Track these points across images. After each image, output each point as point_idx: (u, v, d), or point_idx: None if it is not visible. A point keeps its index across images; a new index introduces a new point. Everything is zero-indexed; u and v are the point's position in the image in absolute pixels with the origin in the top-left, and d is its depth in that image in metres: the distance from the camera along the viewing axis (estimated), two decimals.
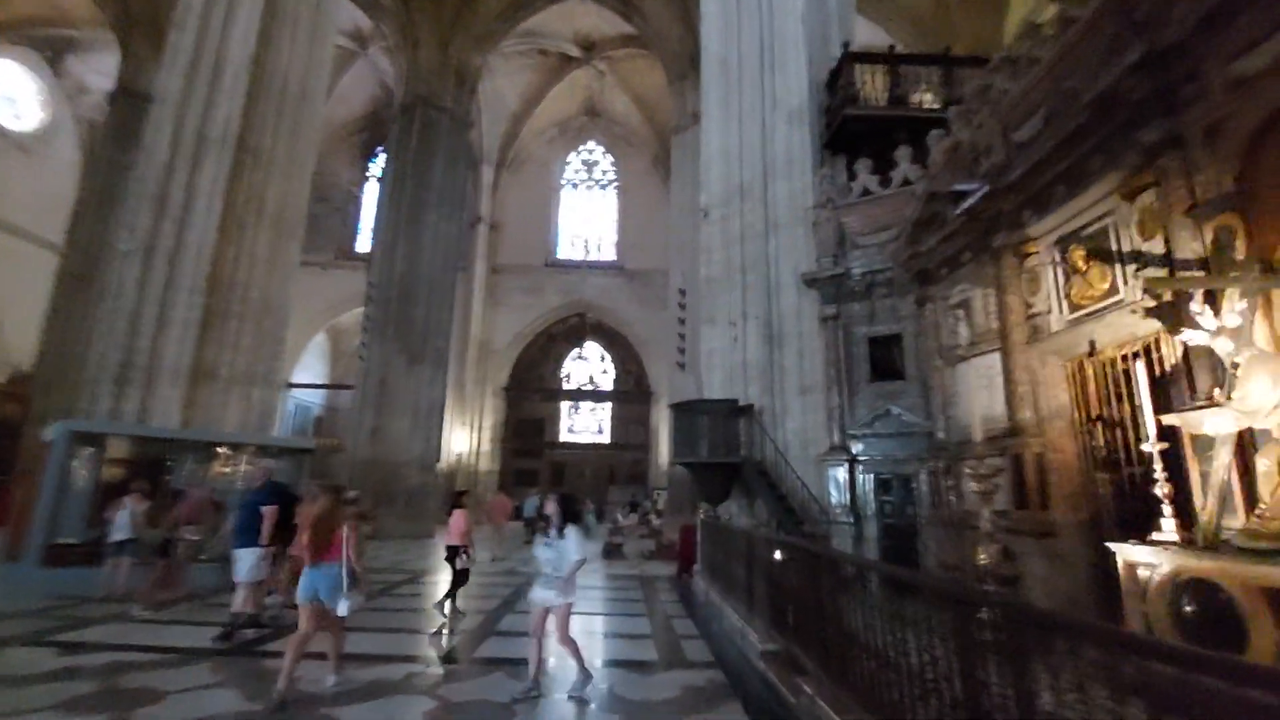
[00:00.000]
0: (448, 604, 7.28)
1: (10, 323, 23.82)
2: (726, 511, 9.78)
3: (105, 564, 7.52)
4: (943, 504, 7.83)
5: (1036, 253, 6.68)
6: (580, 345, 33.68)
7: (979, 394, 7.29)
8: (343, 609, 4.44)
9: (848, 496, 8.75)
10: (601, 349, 33.75)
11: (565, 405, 33.80)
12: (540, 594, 4.54)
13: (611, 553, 13.98)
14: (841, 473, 8.89)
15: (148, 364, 9.51)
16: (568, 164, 33.82)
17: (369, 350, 20.36)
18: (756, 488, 9.10)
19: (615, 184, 33.68)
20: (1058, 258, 6.35)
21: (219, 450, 9.66)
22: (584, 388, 33.57)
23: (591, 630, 7.07)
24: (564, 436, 33.42)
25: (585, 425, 33.92)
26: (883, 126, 10.44)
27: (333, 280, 30.16)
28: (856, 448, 8.92)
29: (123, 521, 7.47)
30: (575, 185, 33.81)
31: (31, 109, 26.11)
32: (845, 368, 9.24)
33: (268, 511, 6.02)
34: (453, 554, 7.70)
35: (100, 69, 25.66)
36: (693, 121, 21.81)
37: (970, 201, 7.34)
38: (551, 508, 4.68)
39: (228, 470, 9.88)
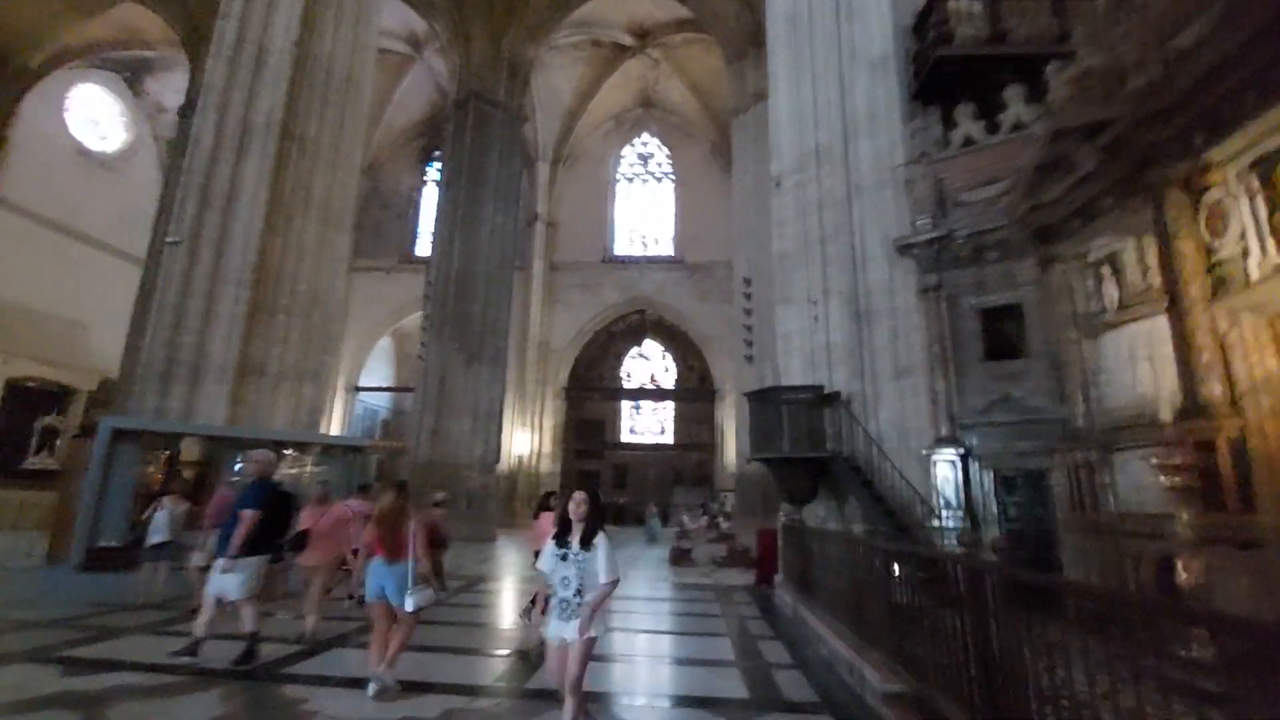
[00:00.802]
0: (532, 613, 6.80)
1: (99, 333, 24.93)
2: (813, 514, 8.59)
3: (141, 569, 7.06)
4: (1088, 506, 6.42)
5: (1220, 183, 5.25)
6: (640, 343, 32.83)
7: (1137, 368, 5.88)
8: (409, 604, 4.34)
9: (961, 497, 7.40)
10: (662, 346, 32.80)
11: (627, 405, 33.02)
12: (559, 628, 3.28)
13: (680, 559, 12.94)
14: (952, 469, 7.55)
15: (194, 360, 9.17)
16: (623, 158, 33.06)
17: (427, 350, 20.10)
18: (849, 486, 7.87)
19: (672, 176, 32.67)
20: (1255, 185, 4.91)
21: (285, 450, 9.26)
22: (645, 387, 32.68)
23: (660, 654, 6.06)
24: (626, 437, 32.63)
25: (647, 425, 33.03)
26: (982, 69, 9.03)
27: (396, 284, 30.46)
28: (970, 439, 7.57)
29: (160, 523, 7.00)
30: (631, 179, 32.99)
31: (114, 129, 27.39)
32: (951, 346, 7.90)
33: (245, 517, 5.00)
34: None
35: (176, 88, 26.59)
36: (754, 101, 20.70)
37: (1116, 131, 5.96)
38: (580, 508, 3.41)
39: (294, 471, 9.47)
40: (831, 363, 8.98)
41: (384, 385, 33.07)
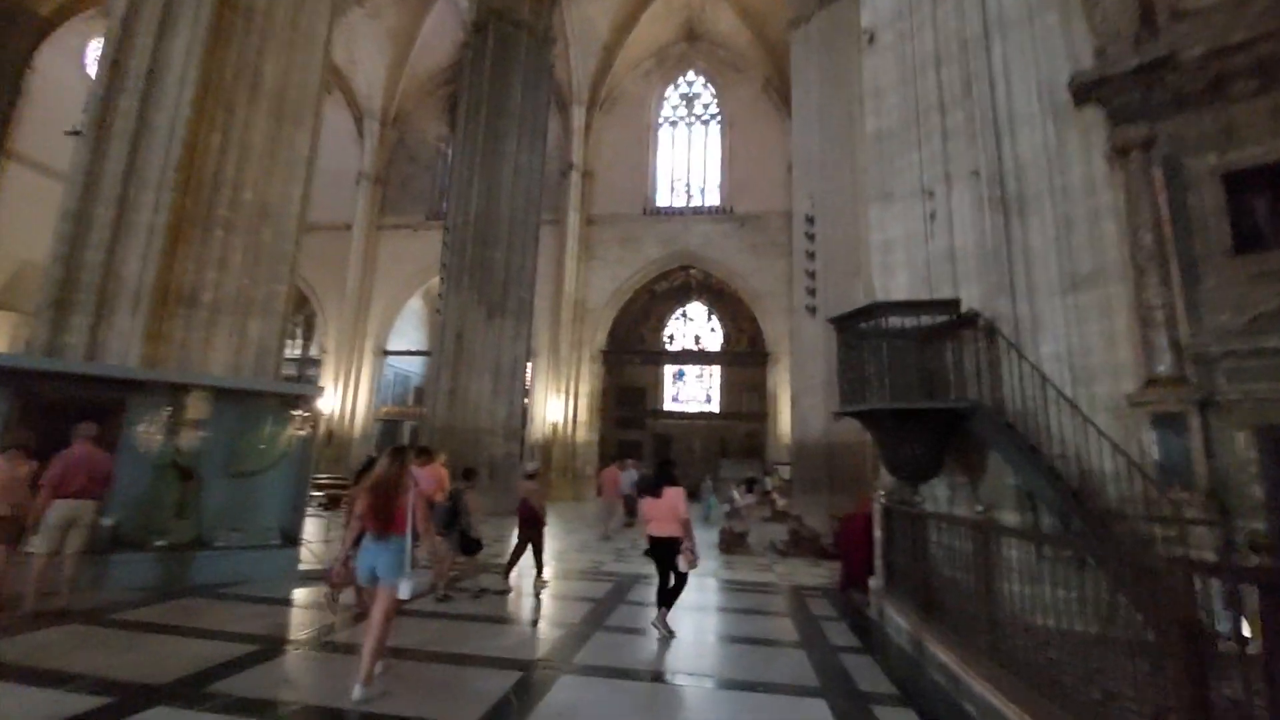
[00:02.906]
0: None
1: None
2: (930, 494, 5.91)
3: None
4: None
5: None
6: (685, 303, 30.13)
7: None
8: (404, 590, 3.68)
9: (1200, 470, 4.60)
10: (707, 307, 30.03)
11: (670, 370, 30.51)
12: None
13: (733, 545, 10.42)
14: (1178, 427, 4.74)
15: (100, 283, 7.04)
16: (665, 99, 29.96)
17: (445, 302, 17.95)
18: (1008, 455, 5.11)
19: (719, 118, 29.44)
20: None
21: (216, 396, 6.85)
22: (690, 350, 30.05)
23: None
24: (669, 405, 30.19)
25: (692, 393, 30.51)
26: None
27: (424, 242, 28.46)
28: (1215, 378, 4.72)
29: None
30: (675, 123, 29.92)
31: None
32: (1174, 234, 5.02)
33: None
34: (666, 552, 5.12)
35: None
36: (818, 6, 17.58)
37: None
38: None
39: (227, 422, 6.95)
40: (958, 276, 6.18)
41: (415, 349, 31.45)
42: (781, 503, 18.05)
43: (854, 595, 6.87)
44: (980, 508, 4.75)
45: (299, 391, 7.45)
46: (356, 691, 3.52)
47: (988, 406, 5.33)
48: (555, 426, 25.49)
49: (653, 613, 5.33)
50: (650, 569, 8.28)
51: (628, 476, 15.99)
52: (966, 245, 6.18)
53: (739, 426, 28.47)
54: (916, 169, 6.69)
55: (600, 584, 7.31)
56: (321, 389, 8.39)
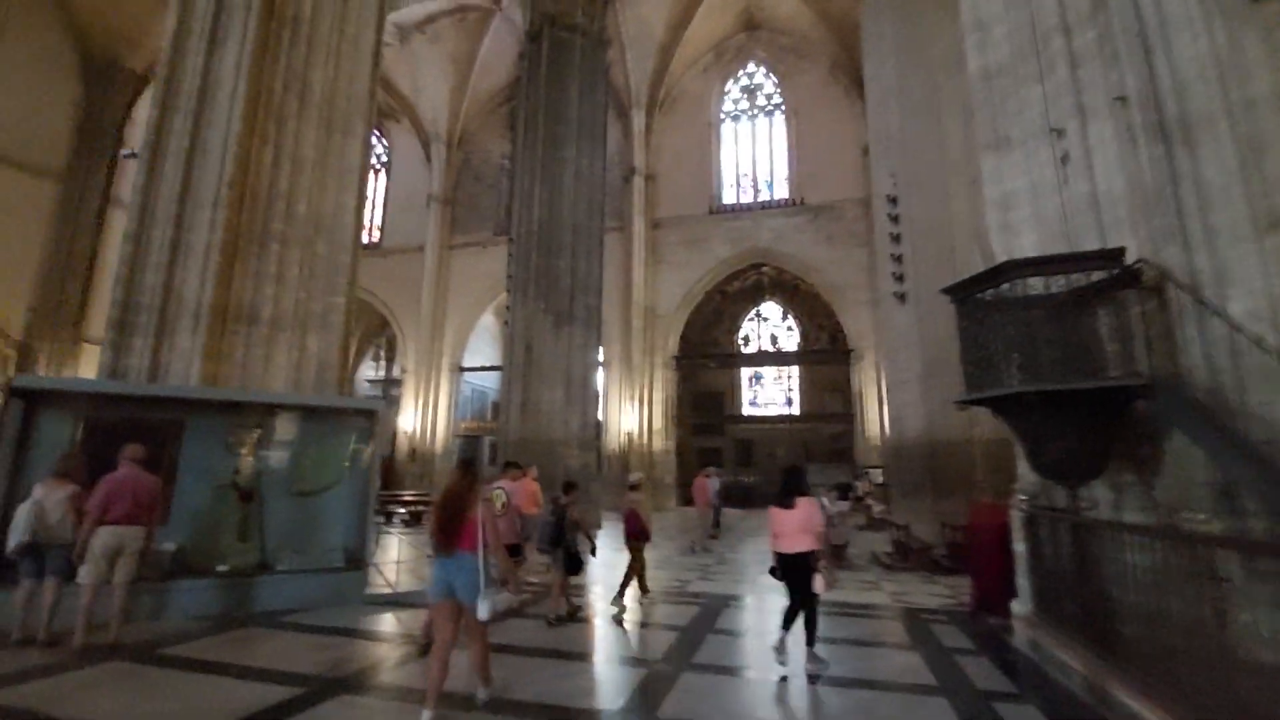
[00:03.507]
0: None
1: None
2: (1086, 496, 4.75)
3: (19, 585, 4.75)
4: None
5: None
6: (758, 302, 28.94)
7: None
8: (482, 611, 3.47)
9: None
10: (782, 306, 28.72)
11: (746, 373, 29.36)
12: None
13: (832, 559, 9.33)
14: None
15: (159, 304, 6.94)
16: (726, 94, 29.06)
17: (512, 313, 17.74)
18: (1204, 443, 3.94)
19: (783, 107, 28.22)
20: None
21: (277, 413, 6.59)
22: (766, 351, 28.81)
23: None
24: (747, 409, 29.03)
25: (770, 395, 29.22)
26: None
27: (492, 258, 28.68)
28: None
29: (23, 519, 4.64)
30: (737, 117, 28.95)
31: None
32: None
33: None
34: (801, 570, 4.54)
35: None
36: None
37: None
38: None
39: (288, 440, 6.80)
40: (1105, 227, 5.02)
41: (489, 365, 31.78)
42: (878, 509, 16.63)
43: (989, 621, 5.74)
44: (1203, 515, 3.62)
45: (360, 406, 7.11)
46: (481, 692, 3.76)
47: (1171, 383, 4.17)
48: (630, 436, 24.90)
49: (755, 644, 4.57)
50: (742, 590, 7.43)
51: (712, 485, 15.25)
52: (1114, 188, 5.02)
53: (823, 428, 26.96)
54: (1039, 105, 5.57)
55: (686, 608, 6.52)
56: (382, 403, 8.15)
